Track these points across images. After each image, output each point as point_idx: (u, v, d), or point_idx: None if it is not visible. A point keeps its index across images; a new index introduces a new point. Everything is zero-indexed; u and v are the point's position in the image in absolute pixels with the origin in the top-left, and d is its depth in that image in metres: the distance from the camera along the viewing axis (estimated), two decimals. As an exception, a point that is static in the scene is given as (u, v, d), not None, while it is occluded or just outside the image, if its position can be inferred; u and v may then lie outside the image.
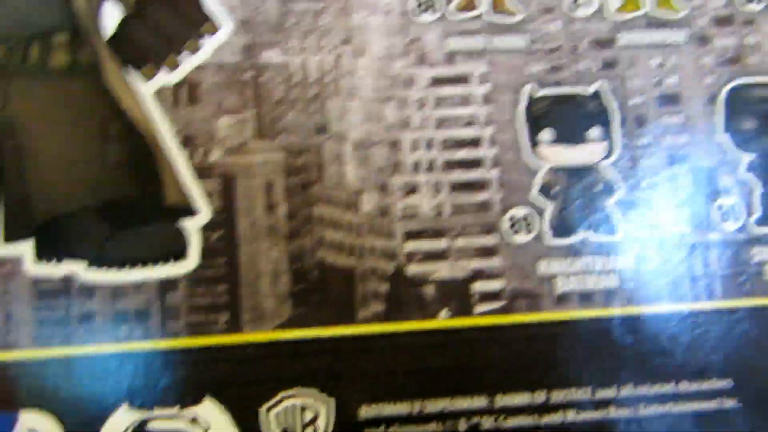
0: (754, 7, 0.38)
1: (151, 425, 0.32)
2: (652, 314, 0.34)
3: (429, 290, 0.34)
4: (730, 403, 0.33)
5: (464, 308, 0.33)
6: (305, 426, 0.32)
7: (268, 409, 0.32)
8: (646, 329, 0.34)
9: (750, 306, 0.34)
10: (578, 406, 0.33)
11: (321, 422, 0.32)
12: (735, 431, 0.33)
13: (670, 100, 0.36)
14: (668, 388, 0.33)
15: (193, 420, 0.32)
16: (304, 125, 0.35)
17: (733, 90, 0.36)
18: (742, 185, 0.36)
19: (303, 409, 0.32)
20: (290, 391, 0.32)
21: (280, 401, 0.32)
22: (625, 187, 0.35)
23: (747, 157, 0.36)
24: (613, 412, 0.33)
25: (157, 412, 0.32)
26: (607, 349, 0.33)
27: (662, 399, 0.33)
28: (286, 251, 0.34)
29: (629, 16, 0.37)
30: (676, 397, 0.33)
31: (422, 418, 0.32)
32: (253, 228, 0.34)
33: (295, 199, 0.34)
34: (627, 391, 0.33)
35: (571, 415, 0.33)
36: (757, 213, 0.35)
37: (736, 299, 0.35)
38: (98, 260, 0.33)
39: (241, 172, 0.34)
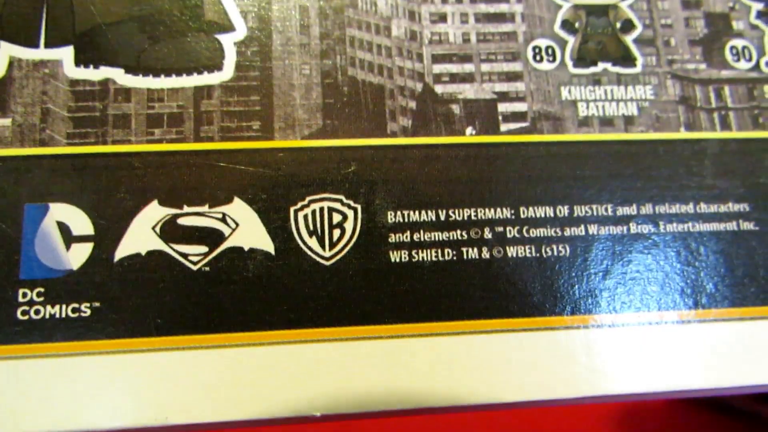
0: None
1: (180, 221, 0.32)
2: (671, 140, 0.35)
3: (455, 109, 0.35)
4: (747, 225, 0.34)
5: (490, 126, 0.34)
6: (333, 227, 0.32)
7: (296, 211, 0.32)
8: (666, 154, 0.35)
9: (763, 137, 0.36)
10: (599, 221, 0.34)
11: (348, 225, 0.33)
12: (751, 251, 0.34)
13: (685, -48, 0.39)
14: (687, 209, 0.34)
15: (223, 217, 0.32)
16: (338, -43, 0.36)
17: (744, -54, 0.39)
18: (754, 29, 0.37)
19: (331, 211, 0.33)
20: (318, 195, 0.33)
21: (307, 204, 0.33)
22: (643, 26, 0.37)
23: (757, 6, 0.38)
24: (633, 228, 0.34)
25: (187, 209, 0.32)
26: (627, 170, 0.34)
27: (681, 219, 0.34)
28: (318, 68, 0.35)
29: None
30: (695, 218, 0.34)
31: (448, 225, 0.33)
32: (287, 45, 0.35)
33: (328, 21, 0.35)
34: (646, 209, 0.34)
35: (593, 229, 0.33)
36: (767, 56, 0.37)
37: (751, 131, 0.36)
38: (135, 68, 0.34)
39: (275, -5, 0.35)
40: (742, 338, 0.33)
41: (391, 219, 0.33)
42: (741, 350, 0.33)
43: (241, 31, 0.35)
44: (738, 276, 0.34)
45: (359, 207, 0.33)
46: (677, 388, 0.32)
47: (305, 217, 0.33)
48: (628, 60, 0.36)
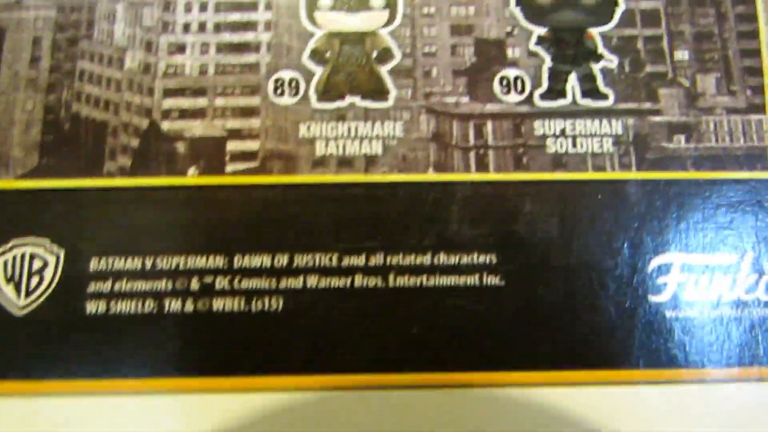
0: None
1: None
2: (416, 182, 0.32)
3: (180, 147, 0.32)
4: (492, 279, 0.31)
5: (215, 166, 0.32)
6: (31, 275, 0.31)
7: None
8: (408, 198, 0.32)
9: (526, 180, 0.32)
10: (321, 272, 0.31)
11: (48, 272, 0.31)
12: (498, 307, 0.30)
13: (462, -28, 0.35)
14: (423, 260, 0.31)
15: None
16: (80, -15, 0.35)
17: (531, -36, 0.35)
18: (531, 57, 0.34)
19: (32, 257, 0.31)
20: (23, 239, 0.31)
21: (10, 249, 0.31)
22: (402, 55, 0.34)
23: (539, 30, 0.34)
24: (359, 281, 0.31)
25: None
26: (361, 216, 0.31)
27: (416, 271, 0.31)
28: (42, 102, 0.33)
29: None
30: (431, 270, 0.31)
31: (153, 273, 0.31)
32: (14, 79, 0.34)
33: (60, 53, 0.34)
34: (377, 260, 0.31)
35: (312, 280, 0.31)
36: (543, 87, 0.33)
37: (512, 172, 0.32)
38: None
39: (12, 26, 0.34)
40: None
41: (93, 266, 0.31)
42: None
43: (-31, 65, 0.34)
44: (476, 339, 0.30)
45: (62, 252, 0.31)
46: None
47: (5, 262, 0.32)
48: (379, 93, 0.33)
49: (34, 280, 0.31)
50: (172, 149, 0.33)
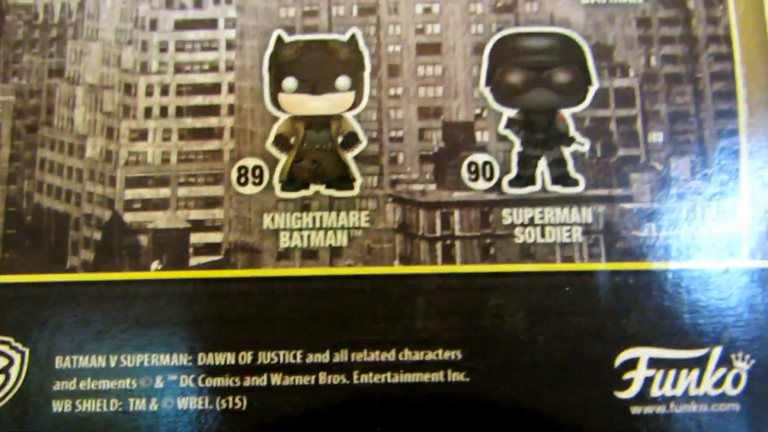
0: (536, -49, 0.35)
1: None
2: (382, 275, 0.32)
3: (144, 240, 0.32)
4: (457, 376, 0.31)
5: (179, 260, 0.32)
6: (-3, 373, 0.31)
7: (-36, 354, 0.31)
8: (373, 292, 0.31)
9: (494, 272, 0.32)
10: (285, 369, 0.31)
11: (14, 371, 0.31)
12: (463, 405, 0.30)
13: (430, 49, 0.34)
14: (388, 356, 0.31)
15: None
16: (40, 68, 0.34)
17: (501, 40, 0.34)
18: (501, 141, 0.33)
19: (-3, 355, 0.31)
20: (-13, 337, 0.31)
21: (-24, 347, 0.31)
22: (368, 140, 0.33)
23: (509, 112, 0.33)
24: (323, 378, 0.31)
25: None
26: (326, 311, 0.31)
27: (380, 368, 0.31)
28: (4, 194, 0.33)
29: (397, -40, 0.35)
30: (396, 367, 0.31)
31: (117, 372, 0.31)
32: (-25, 169, 0.33)
33: (20, 141, 0.34)
34: (341, 356, 0.31)
35: (276, 379, 0.31)
36: (512, 173, 0.33)
37: (479, 264, 0.32)
38: None
39: (-30, 113, 0.34)
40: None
41: (59, 364, 0.31)
42: None
43: (-71, 154, 0.33)
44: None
45: (27, 351, 0.32)
46: None
47: (-30, 361, 0.32)
48: (345, 181, 0.33)
49: (0, 378, 0.32)
50: (135, 242, 0.33)
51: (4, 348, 0.32)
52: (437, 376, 0.31)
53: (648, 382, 0.32)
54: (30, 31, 0.35)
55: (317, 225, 0.33)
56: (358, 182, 0.33)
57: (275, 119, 0.34)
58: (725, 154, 0.34)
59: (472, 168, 0.33)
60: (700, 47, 0.35)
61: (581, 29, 0.35)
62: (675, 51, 0.35)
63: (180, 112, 0.34)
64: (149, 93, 0.34)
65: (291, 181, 0.33)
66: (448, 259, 0.33)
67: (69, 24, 0.35)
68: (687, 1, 0.35)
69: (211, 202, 0.33)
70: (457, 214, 0.33)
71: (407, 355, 0.32)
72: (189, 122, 0.34)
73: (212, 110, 0.34)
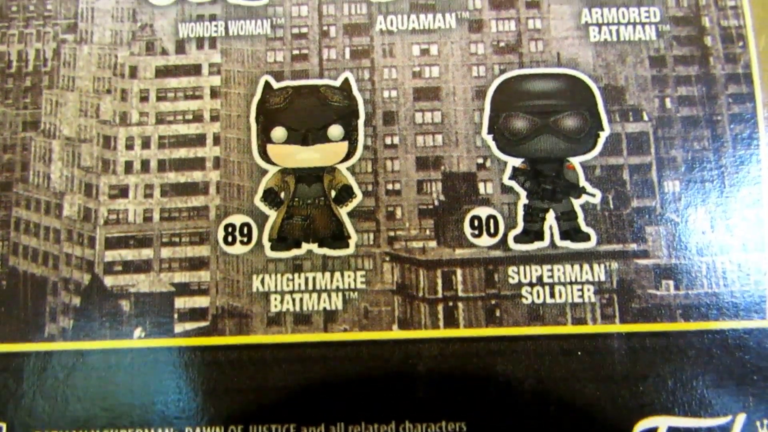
0: (542, -14, 0.33)
1: None
2: (380, 340, 0.30)
3: (125, 305, 0.31)
4: (462, 450, 0.29)
5: (163, 327, 0.31)
6: (-28, 451, 0.30)
7: (-63, 430, 0.30)
8: (372, 359, 0.30)
9: (501, 335, 0.30)
10: (278, 444, 0.29)
11: (-10, 448, 0.30)
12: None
13: (429, 93, 0.32)
14: (388, 429, 0.29)
15: None
16: (14, 120, 0.33)
17: (504, 83, 0.32)
18: (505, 193, 0.31)
19: (-28, 432, 0.30)
20: (-38, 412, 0.30)
21: (-50, 422, 0.30)
22: (363, 194, 0.31)
23: (512, 163, 0.32)
24: (319, 454, 0.29)
25: None
26: (320, 379, 0.30)
27: (380, 441, 0.29)
28: (-23, 257, 0.32)
29: (392, -3, 0.33)
30: (397, 440, 0.29)
31: (99, 449, 0.30)
32: (-54, 231, 0.32)
33: (-6, 200, 0.32)
34: (337, 430, 0.29)
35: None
36: (518, 228, 0.31)
37: (483, 327, 0.30)
38: None
39: (-59, 169, 0.32)
40: None
41: (36, 441, 0.30)
42: None
43: None
44: None
45: (4, 426, 0.30)
46: None
47: (-56, 438, 0.31)
48: (339, 239, 0.32)
49: (-25, 457, 0.30)
50: (116, 308, 0.31)
51: (-21, 424, 0.31)
52: (440, 450, 0.30)
53: (667, 453, 0.30)
54: (2, 80, 0.34)
55: (310, 287, 0.32)
56: (354, 240, 0.32)
57: (264, 172, 0.33)
58: (747, 204, 0.32)
59: (475, 223, 0.32)
60: (719, 87, 0.33)
61: (590, 70, 0.33)
62: (692, 92, 0.33)
63: (162, 165, 0.33)
64: (129, 146, 0.33)
65: (282, 240, 0.32)
66: (451, 322, 0.31)
67: (44, 72, 0.34)
68: (704, 37, 0.34)
69: (197, 264, 0.32)
70: (459, 273, 0.32)
71: (408, 427, 0.30)
72: (172, 177, 0.33)
73: (197, 163, 0.33)
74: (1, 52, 0.35)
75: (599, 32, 0.34)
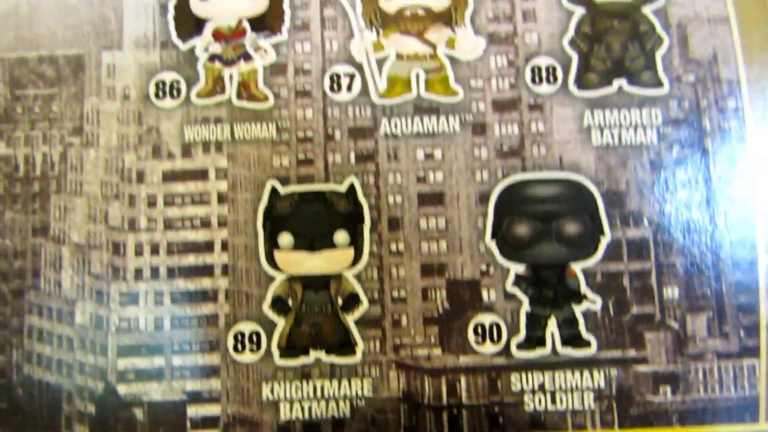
0: (544, 88, 0.33)
1: None
2: None
3: (139, 414, 0.32)
4: None
5: (177, 435, 0.32)
6: None
7: None
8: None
9: (502, 443, 0.31)
10: None
11: None
12: None
13: (433, 199, 0.33)
14: None
15: None
16: (23, 226, 0.33)
17: (508, 189, 0.33)
18: (508, 300, 0.32)
19: None
20: None
21: None
22: (369, 301, 0.32)
23: (515, 269, 0.32)
24: None
25: None
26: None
27: None
28: (-8, 365, 0.33)
29: (397, 100, 0.34)
30: None
31: None
32: (-39, 340, 0.33)
33: (7, 307, 0.33)
34: None
35: None
36: (520, 335, 0.32)
37: (487, 435, 0.32)
38: None
39: (-47, 277, 0.33)
40: None
41: None
42: None
43: None
44: None
45: None
46: None
47: None
48: (346, 346, 0.33)
49: None
50: (130, 416, 0.33)
51: None
52: None
53: None
54: (11, 185, 0.35)
55: (318, 395, 0.33)
56: (360, 348, 0.33)
57: (271, 279, 0.33)
58: (744, 310, 0.33)
59: (479, 330, 0.33)
60: (718, 191, 0.34)
61: (592, 174, 0.34)
62: (691, 196, 0.34)
63: (172, 273, 0.34)
64: (139, 252, 0.34)
65: (290, 348, 0.33)
66: (455, 429, 0.32)
67: (51, 177, 0.35)
68: (705, 140, 0.34)
69: (208, 372, 0.33)
70: (463, 380, 0.33)
71: None
72: (181, 284, 0.34)
73: (206, 271, 0.34)
74: (7, 155, 0.35)
75: (601, 135, 0.35)
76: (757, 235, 0.34)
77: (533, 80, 0.35)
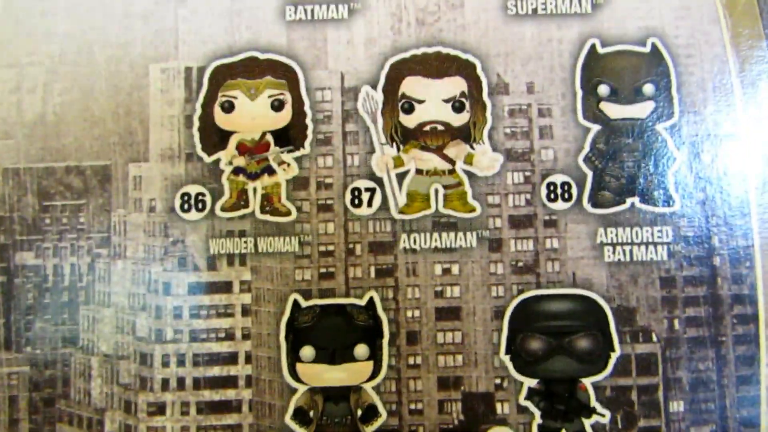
0: (559, 205, 0.35)
1: None
2: None
3: None
4: None
5: None
6: None
7: None
8: None
9: None
10: None
11: None
12: None
13: (450, 313, 0.34)
14: None
15: None
16: (53, 336, 0.35)
17: (522, 304, 0.34)
18: (521, 413, 0.34)
19: None
20: None
21: None
22: (388, 413, 0.34)
23: (528, 383, 0.34)
24: None
25: None
26: None
27: None
28: (27, 472, 0.34)
29: (416, 215, 0.35)
30: None
31: None
32: (-5, 443, 0.34)
33: (38, 415, 0.34)
34: None
35: None
36: (534, 450, 0.34)
37: None
38: None
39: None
40: None
41: None
42: None
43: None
44: None
45: None
46: None
47: None
48: (367, 458, 0.34)
49: None
50: None
51: None
52: None
53: None
54: (40, 296, 0.36)
55: (340, 505, 0.34)
56: (380, 462, 0.35)
57: (293, 391, 0.35)
58: (746, 425, 0.35)
59: (493, 442, 0.35)
60: (725, 308, 0.35)
61: (603, 290, 0.35)
62: (699, 312, 0.35)
63: (197, 383, 0.35)
64: (165, 363, 0.35)
65: (312, 462, 0.35)
66: None
67: (80, 288, 0.36)
68: (713, 258, 0.36)
69: (234, 481, 0.35)
70: (478, 492, 0.34)
71: None
72: (207, 395, 0.35)
73: (230, 382, 0.35)
74: (36, 266, 0.37)
75: (613, 252, 0.36)
76: (761, 350, 0.36)
77: (548, 197, 0.37)
